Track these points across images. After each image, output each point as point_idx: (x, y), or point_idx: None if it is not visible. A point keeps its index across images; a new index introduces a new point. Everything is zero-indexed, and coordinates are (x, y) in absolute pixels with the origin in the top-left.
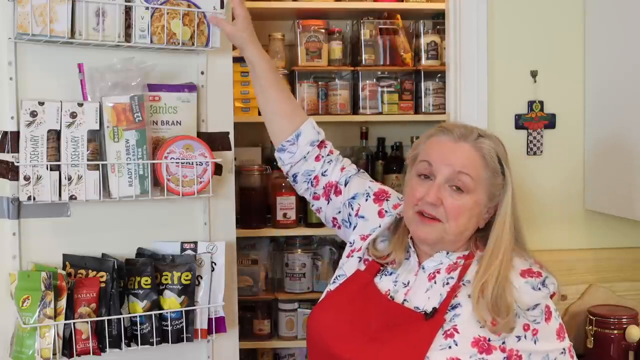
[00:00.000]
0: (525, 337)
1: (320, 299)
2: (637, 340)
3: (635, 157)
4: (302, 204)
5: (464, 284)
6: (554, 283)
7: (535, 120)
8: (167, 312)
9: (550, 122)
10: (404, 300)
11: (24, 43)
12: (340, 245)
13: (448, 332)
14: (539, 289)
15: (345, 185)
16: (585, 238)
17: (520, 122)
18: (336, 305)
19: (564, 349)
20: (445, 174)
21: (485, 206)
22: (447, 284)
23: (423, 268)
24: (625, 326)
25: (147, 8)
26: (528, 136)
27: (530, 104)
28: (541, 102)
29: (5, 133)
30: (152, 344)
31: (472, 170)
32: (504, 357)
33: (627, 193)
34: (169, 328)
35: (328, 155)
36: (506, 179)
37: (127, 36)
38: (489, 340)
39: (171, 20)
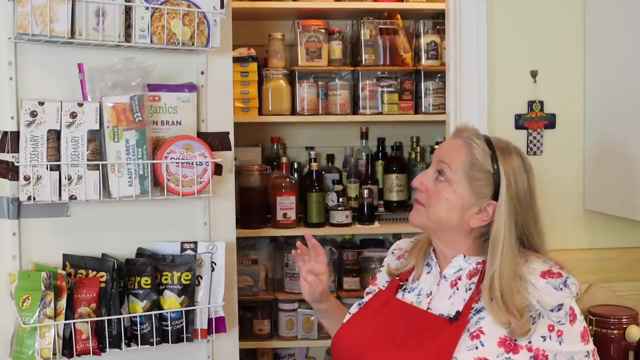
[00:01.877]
0: (550, 337)
1: (344, 320)
2: (637, 340)
3: (636, 157)
4: (302, 204)
5: (484, 288)
6: (575, 283)
7: (535, 120)
8: (167, 312)
9: (550, 122)
10: (428, 308)
11: (24, 43)
12: (340, 245)
13: (474, 334)
14: (561, 289)
15: None
16: (586, 238)
17: (520, 122)
18: (359, 322)
19: (588, 352)
20: (434, 164)
21: (472, 203)
22: (470, 289)
23: (444, 277)
24: (625, 326)
25: (147, 8)
26: (528, 136)
27: (530, 104)
28: (541, 102)
29: (5, 133)
30: (152, 344)
31: (452, 160)
32: (531, 357)
33: (627, 193)
34: (169, 328)
35: None
36: (501, 180)
37: (127, 36)
38: (515, 340)
39: (171, 20)
